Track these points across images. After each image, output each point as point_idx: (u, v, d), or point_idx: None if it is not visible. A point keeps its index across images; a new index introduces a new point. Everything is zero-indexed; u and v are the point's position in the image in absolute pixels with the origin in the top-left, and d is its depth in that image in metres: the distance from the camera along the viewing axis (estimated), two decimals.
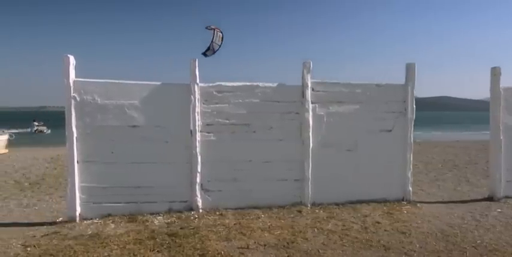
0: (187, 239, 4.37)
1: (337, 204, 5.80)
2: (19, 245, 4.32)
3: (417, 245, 4.27)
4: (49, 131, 39.44)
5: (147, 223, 5.03)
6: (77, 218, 5.21)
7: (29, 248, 4.18)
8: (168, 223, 5.02)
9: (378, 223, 5.02)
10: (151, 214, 5.37)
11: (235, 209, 5.56)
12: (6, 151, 13.40)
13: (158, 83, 5.51)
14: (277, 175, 5.74)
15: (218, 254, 3.98)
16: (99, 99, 5.31)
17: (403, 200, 6.03)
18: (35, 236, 4.65)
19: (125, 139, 5.38)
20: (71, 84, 5.20)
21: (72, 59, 5.21)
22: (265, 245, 4.27)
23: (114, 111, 5.35)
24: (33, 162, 10.02)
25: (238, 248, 4.17)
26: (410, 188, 6.09)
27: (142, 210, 5.38)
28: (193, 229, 4.75)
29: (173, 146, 5.48)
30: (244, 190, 5.66)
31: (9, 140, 14.02)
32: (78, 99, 5.24)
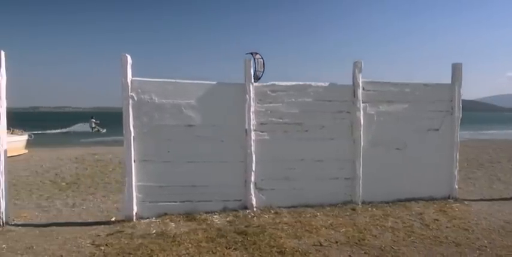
0: (257, 237, 4.40)
1: (386, 202, 5.86)
2: (89, 244, 4.32)
3: (485, 241, 4.34)
4: (105, 130, 38.66)
5: (208, 222, 5.04)
6: (134, 218, 5.20)
7: (102, 247, 4.17)
8: (229, 222, 5.04)
9: (437, 220, 5.10)
10: (207, 212, 5.39)
11: (288, 207, 5.59)
12: (26, 151, 13.28)
13: (214, 82, 5.54)
14: (328, 174, 5.79)
15: (296, 251, 4.02)
16: (156, 99, 5.31)
17: (449, 198, 6.12)
18: (99, 235, 4.64)
19: (181, 138, 5.40)
20: (129, 84, 5.20)
21: (129, 59, 5.21)
22: (336, 242, 4.32)
23: (171, 111, 5.36)
24: (59, 162, 9.97)
25: (313, 245, 4.21)
26: (457, 186, 6.18)
27: (197, 209, 5.40)
28: (257, 227, 4.77)
29: (228, 145, 5.50)
30: (297, 189, 5.70)
31: (28, 141, 13.91)
32: (135, 98, 5.24)
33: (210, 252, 4.00)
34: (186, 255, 3.93)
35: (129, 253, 3.98)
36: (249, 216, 5.29)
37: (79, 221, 5.37)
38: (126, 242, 4.34)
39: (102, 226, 5.07)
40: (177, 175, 5.38)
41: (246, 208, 5.54)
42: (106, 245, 4.25)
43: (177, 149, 5.38)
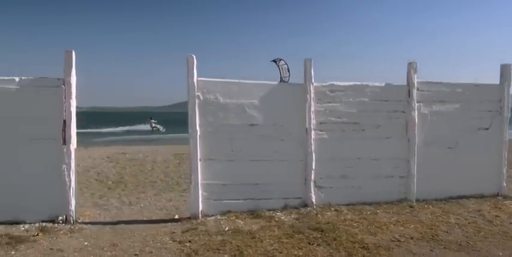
0: (334, 233, 4.52)
1: (439, 200, 6.01)
2: (170, 241, 4.41)
3: None
4: (164, 129, 38.68)
5: (276, 219, 5.15)
6: (200, 215, 5.30)
7: (187, 244, 4.27)
8: (296, 219, 5.16)
9: (497, 216, 5.25)
10: (269, 210, 5.49)
11: (346, 205, 5.71)
12: None
13: (275, 82, 5.65)
14: (384, 172, 5.92)
15: (379, 246, 4.15)
16: (221, 99, 5.41)
17: (498, 195, 6.28)
18: (174, 232, 4.73)
19: (244, 137, 5.50)
20: (195, 84, 5.29)
21: (195, 59, 5.31)
22: (412, 238, 4.46)
23: (235, 110, 5.46)
24: (94, 161, 10.00)
25: (391, 241, 4.34)
26: (505, 184, 6.35)
27: (259, 206, 5.50)
28: (327, 224, 4.89)
29: (289, 144, 5.62)
30: (354, 187, 5.83)
31: None
32: (201, 98, 5.34)
33: (296, 248, 4.12)
34: (274, 251, 4.04)
35: (218, 249, 4.09)
36: (312, 213, 5.40)
37: (144, 219, 5.46)
38: (206, 238, 4.44)
39: (170, 223, 5.16)
40: (240, 173, 5.48)
41: (306, 205, 5.65)
42: (189, 241, 4.35)
43: (240, 148, 5.48)
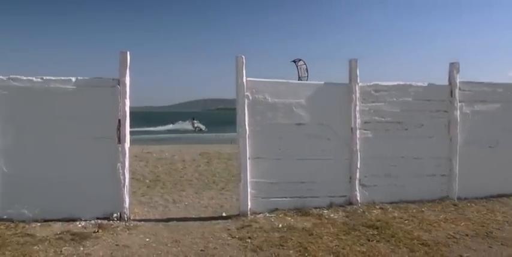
0: (389, 230, 4.60)
1: (480, 198, 6.08)
2: (229, 238, 4.51)
3: None
4: (206, 129, 39.54)
5: (326, 216, 5.24)
6: (248, 213, 5.39)
7: (247, 240, 4.37)
8: (345, 217, 5.24)
9: None
10: (315, 208, 5.58)
11: (390, 203, 5.80)
12: None
13: (321, 82, 5.74)
14: (426, 171, 6.00)
15: (438, 243, 4.24)
16: (269, 98, 5.51)
17: None
18: (229, 229, 4.83)
19: (291, 136, 5.59)
20: (245, 84, 5.39)
21: (244, 59, 5.40)
22: (466, 235, 4.54)
23: (282, 110, 5.56)
24: None
25: (447, 238, 4.42)
26: None
27: (306, 204, 5.57)
28: (379, 221, 4.97)
29: (334, 143, 5.70)
30: (397, 185, 5.90)
31: None
32: (250, 98, 5.43)
33: (357, 244, 4.20)
34: (336, 247, 4.13)
35: (281, 245, 4.18)
36: (359, 211, 5.48)
37: (192, 216, 5.55)
38: (264, 235, 4.53)
39: (220, 220, 5.25)
40: (287, 171, 5.57)
41: (350, 203, 5.73)
42: (249, 238, 4.44)
43: (288, 147, 5.58)
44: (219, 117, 57.13)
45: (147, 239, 4.45)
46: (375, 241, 4.28)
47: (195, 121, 41.37)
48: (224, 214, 5.60)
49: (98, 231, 4.65)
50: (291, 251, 4.02)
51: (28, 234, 4.51)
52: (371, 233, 4.54)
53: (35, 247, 4.09)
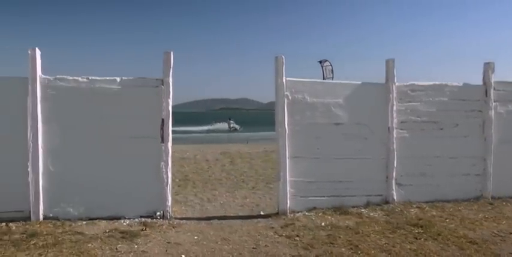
0: (433, 228, 4.65)
1: None
2: (276, 236, 4.56)
3: None
4: (241, 128, 40.26)
5: (366, 215, 5.30)
6: (287, 211, 5.45)
7: (296, 238, 4.42)
8: (385, 215, 5.29)
9: None
10: (352, 207, 5.64)
11: (425, 202, 5.85)
12: None
13: (359, 82, 5.79)
14: (461, 170, 6.04)
15: (486, 241, 4.28)
16: (308, 98, 5.56)
17: None
18: (273, 227, 4.88)
19: (329, 135, 5.65)
20: (284, 84, 5.45)
21: (284, 59, 5.46)
22: (510, 233, 4.58)
23: (321, 110, 5.61)
24: None
25: (493, 236, 4.47)
26: None
27: (343, 203, 5.62)
28: (420, 220, 5.01)
29: (371, 142, 5.76)
30: (432, 184, 5.95)
31: None
32: (290, 97, 5.49)
33: (406, 242, 4.25)
34: (386, 245, 4.18)
35: (331, 243, 4.24)
36: (397, 210, 5.53)
37: (231, 215, 5.62)
38: (311, 233, 4.58)
39: (261, 219, 5.32)
40: (325, 170, 5.62)
41: (387, 202, 5.78)
42: (297, 236, 4.49)
43: (326, 146, 5.63)
44: (225, 116, 57.68)
45: (195, 237, 4.51)
46: (422, 239, 4.33)
47: (231, 121, 42.04)
48: (262, 213, 5.68)
49: (145, 229, 4.71)
50: (343, 249, 4.06)
51: (78, 232, 4.57)
52: (416, 231, 4.58)
53: (89, 245, 4.15)
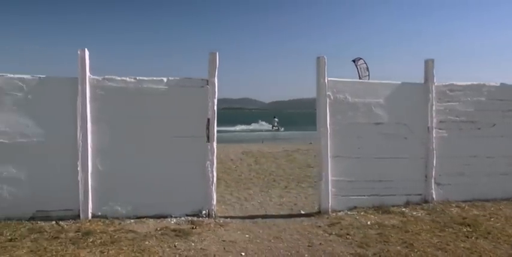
0: (481, 227, 4.70)
1: None
2: (326, 234, 4.61)
3: None
4: (283, 128, 39.49)
5: (409, 214, 5.34)
6: (329, 210, 5.50)
7: (348, 237, 4.47)
8: (428, 214, 5.34)
9: None
10: (392, 206, 5.69)
11: (464, 201, 5.90)
12: None
13: (399, 82, 5.84)
14: (498, 169, 6.09)
15: None
16: (349, 98, 5.62)
17: None
18: (320, 226, 4.94)
19: (369, 135, 5.70)
20: (326, 84, 5.50)
21: (326, 60, 5.51)
22: None
23: (361, 109, 5.67)
24: None
25: None
26: None
27: (383, 202, 5.68)
28: (465, 219, 5.06)
29: (411, 142, 5.81)
30: (470, 184, 6.00)
31: None
32: (331, 97, 5.54)
33: (459, 240, 4.30)
34: (440, 243, 4.22)
35: (385, 242, 4.28)
36: (437, 209, 5.57)
37: (273, 214, 5.67)
38: (360, 232, 4.63)
39: (303, 218, 5.37)
40: (365, 170, 5.67)
41: (426, 201, 5.83)
42: (347, 234, 4.55)
43: (366, 146, 5.68)
44: (227, 116, 57.69)
45: (247, 236, 4.57)
46: (473, 238, 4.38)
47: (276, 120, 40.79)
48: (303, 212, 5.73)
49: (195, 227, 4.78)
50: (398, 248, 4.11)
51: (130, 230, 4.63)
52: (465, 230, 4.63)
53: (147, 243, 4.22)
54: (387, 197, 5.73)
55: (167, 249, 4.06)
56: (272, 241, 4.41)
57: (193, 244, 4.23)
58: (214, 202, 5.32)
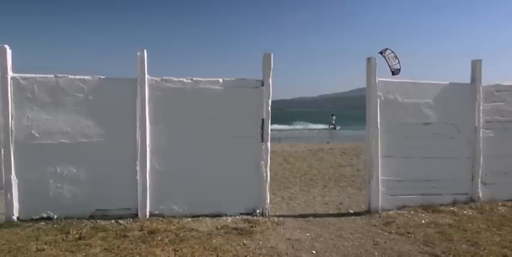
0: None
1: None
2: (386, 233, 4.67)
3: None
4: (339, 127, 39.42)
5: (460, 213, 5.41)
6: (379, 209, 5.57)
7: (409, 235, 4.55)
8: (479, 213, 5.41)
9: None
10: (440, 205, 5.76)
11: (508, 200, 5.97)
12: None
13: (446, 82, 5.90)
14: None
15: None
16: (399, 98, 5.68)
17: None
18: (375, 225, 5.01)
19: (418, 135, 5.76)
20: (377, 84, 5.56)
21: (376, 60, 5.58)
22: None
23: (411, 109, 5.73)
24: None
25: None
26: None
27: (431, 201, 5.75)
28: None
29: (458, 141, 5.88)
30: None
31: None
32: (382, 98, 5.60)
33: None
34: (503, 242, 4.28)
35: (449, 240, 4.35)
36: (486, 208, 5.64)
37: (322, 212, 5.74)
38: (419, 230, 4.70)
39: (354, 216, 5.45)
40: (414, 169, 5.73)
41: (472, 201, 5.91)
42: (408, 233, 4.62)
43: (415, 146, 5.74)
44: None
45: (308, 234, 4.64)
46: None
47: (333, 117, 40.17)
48: (351, 211, 5.80)
49: (254, 226, 4.85)
50: (464, 246, 4.18)
51: (192, 229, 4.71)
52: None
53: (214, 241, 4.29)
54: (434, 197, 5.80)
55: (237, 247, 4.14)
56: (335, 239, 4.48)
57: (260, 242, 4.31)
58: (268, 201, 5.39)
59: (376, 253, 4.05)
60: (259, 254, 3.97)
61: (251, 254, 3.97)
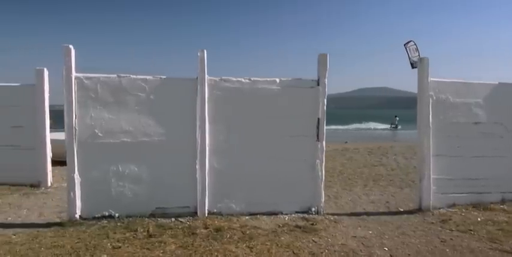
0: None
1: None
2: (448, 230, 4.74)
3: None
4: (400, 126, 40.63)
5: (511, 211, 5.49)
6: (430, 207, 5.63)
7: (472, 232, 4.62)
8: None
9: None
10: (490, 203, 5.82)
11: None
12: None
13: (496, 82, 5.97)
14: None
15: None
16: (451, 98, 5.74)
17: None
18: (432, 222, 5.08)
19: (468, 134, 5.82)
20: (429, 84, 5.63)
21: (429, 61, 5.64)
22: None
23: (461, 109, 5.79)
24: None
25: None
26: None
27: (480, 200, 5.81)
28: None
29: (507, 141, 5.94)
30: None
31: None
32: (434, 98, 5.67)
33: None
34: None
35: (495, 240, 4.40)
36: None
37: (372, 211, 5.80)
38: (479, 228, 4.77)
39: (406, 215, 5.49)
40: (464, 168, 5.79)
41: None
42: (470, 230, 4.70)
43: (465, 145, 5.80)
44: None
45: (370, 232, 4.70)
46: None
47: (397, 118, 42.47)
48: (401, 209, 5.85)
49: (314, 224, 4.92)
50: None
51: (255, 226, 4.78)
52: None
53: (282, 238, 4.36)
54: (483, 195, 5.86)
55: (310, 244, 4.21)
56: (400, 237, 4.54)
57: (329, 239, 4.37)
58: (323, 199, 5.46)
59: (447, 250, 4.12)
60: (335, 251, 4.04)
61: (326, 251, 4.04)
